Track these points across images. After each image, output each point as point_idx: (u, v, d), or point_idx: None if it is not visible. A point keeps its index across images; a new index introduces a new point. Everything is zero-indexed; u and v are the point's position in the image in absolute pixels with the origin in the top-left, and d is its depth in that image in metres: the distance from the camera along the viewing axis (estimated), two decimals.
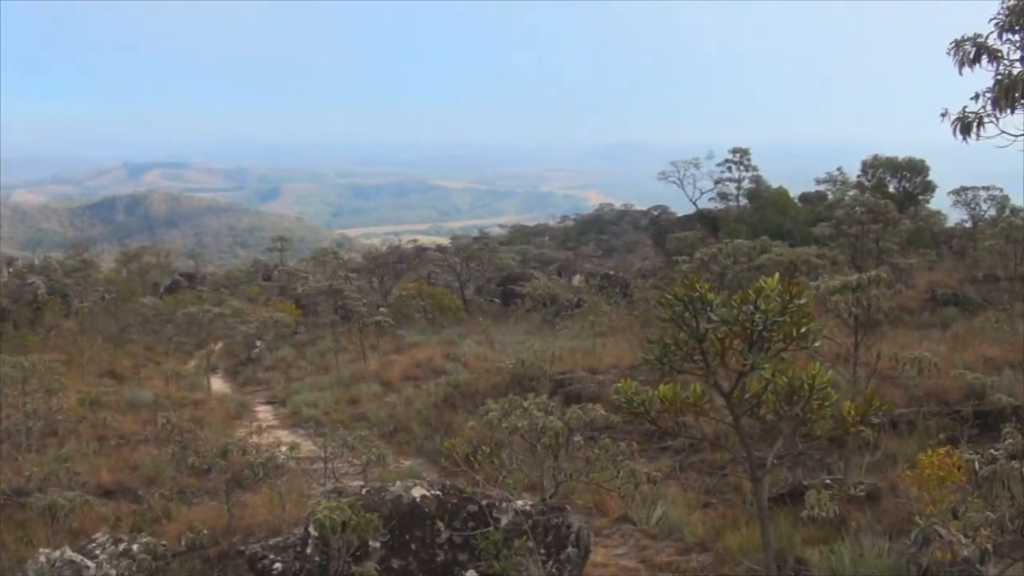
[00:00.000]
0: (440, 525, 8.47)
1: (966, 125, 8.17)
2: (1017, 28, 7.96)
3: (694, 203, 53.92)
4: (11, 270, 40.97)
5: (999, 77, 7.88)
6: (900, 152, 46.50)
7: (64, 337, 29.95)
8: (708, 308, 6.44)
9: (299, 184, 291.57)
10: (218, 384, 25.05)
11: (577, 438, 10.22)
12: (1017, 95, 7.76)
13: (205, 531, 10.27)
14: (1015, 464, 7.17)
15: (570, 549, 8.81)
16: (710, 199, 53.14)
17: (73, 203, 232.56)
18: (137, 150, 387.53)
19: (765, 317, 6.34)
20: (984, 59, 8.13)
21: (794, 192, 50.26)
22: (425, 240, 61.29)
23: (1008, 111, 7.87)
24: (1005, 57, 8.05)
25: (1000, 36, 8.02)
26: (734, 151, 51.17)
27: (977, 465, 7.49)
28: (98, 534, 9.95)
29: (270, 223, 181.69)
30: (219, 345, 29.50)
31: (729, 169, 51.45)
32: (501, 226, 69.67)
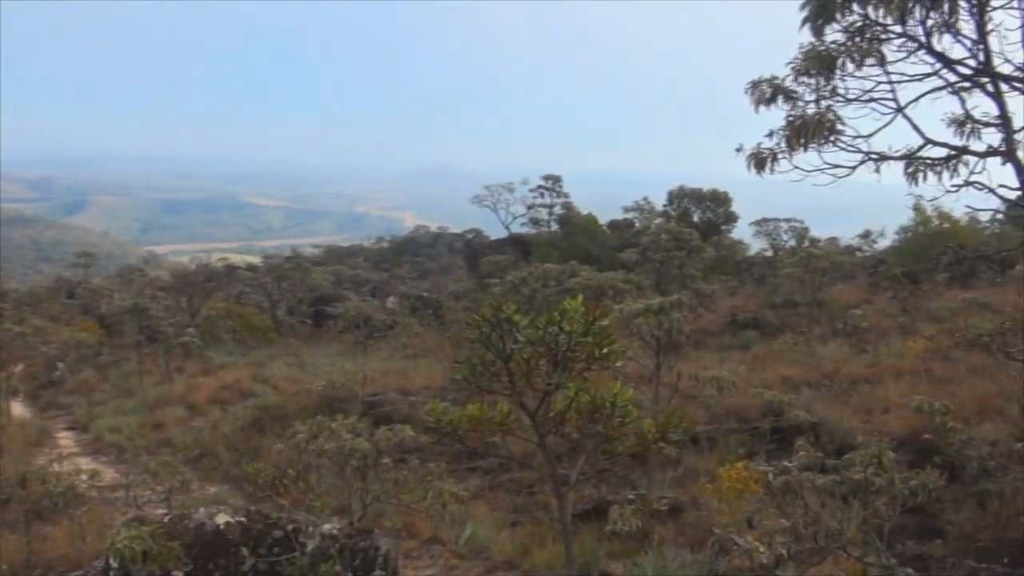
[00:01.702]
0: (245, 552, 8.46)
1: (760, 161, 8.88)
2: (812, 72, 8.70)
3: (507, 227, 54.84)
4: None
5: (791, 118, 8.60)
6: (706, 184, 48.83)
7: None
8: (515, 329, 6.73)
9: (107, 197, 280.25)
10: (17, 408, 23.97)
11: (386, 460, 10.38)
12: (808, 135, 8.49)
13: (3, 566, 9.97)
14: (807, 475, 7.77)
15: (378, 572, 8.93)
16: (522, 224, 54.23)
17: None
18: None
19: (569, 338, 6.68)
20: (780, 99, 8.85)
21: (602, 219, 51.79)
22: (236, 259, 60.01)
23: (801, 149, 8.59)
24: (801, 98, 8.79)
25: (796, 79, 8.76)
26: (546, 177, 52.30)
27: (771, 476, 8.06)
28: None
29: (75, 237, 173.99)
30: (19, 367, 28.24)
31: (541, 195, 52.60)
32: (315, 246, 69.07)
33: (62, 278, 55.93)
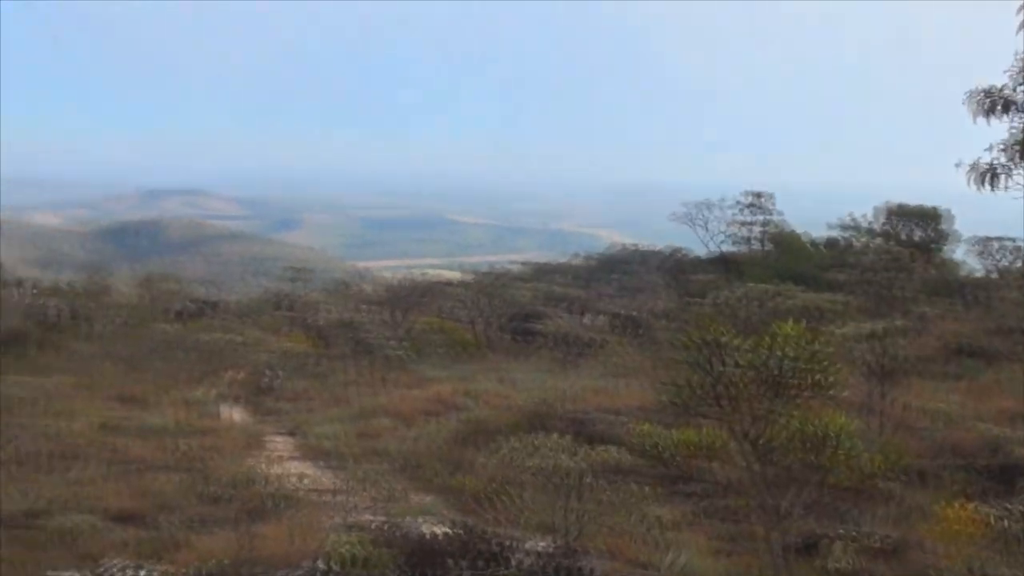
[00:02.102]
0: (456, 563, 8.39)
1: (982, 176, 8.14)
2: None
3: (710, 245, 53.83)
4: (35, 291, 41.15)
5: (1013, 129, 7.85)
6: (909, 198, 46.55)
7: (80, 360, 29.93)
8: (727, 352, 6.37)
9: (317, 215, 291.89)
10: (234, 413, 24.97)
11: (593, 479, 10.13)
12: None
13: (219, 561, 10.22)
14: None
15: None
16: (721, 242, 53.23)
17: (89, 226, 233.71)
18: (155, 175, 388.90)
19: (786, 363, 6.26)
20: (999, 110, 8.09)
21: (805, 235, 50.24)
22: (441, 274, 61.01)
23: None
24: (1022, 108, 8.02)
25: (1015, 88, 7.99)
26: (750, 194, 51.08)
27: (996, 520, 7.37)
28: (112, 560, 9.92)
29: (287, 253, 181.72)
30: (235, 374, 29.47)
31: (745, 211, 51.38)
32: (516, 262, 69.47)
33: (275, 291, 58.28)
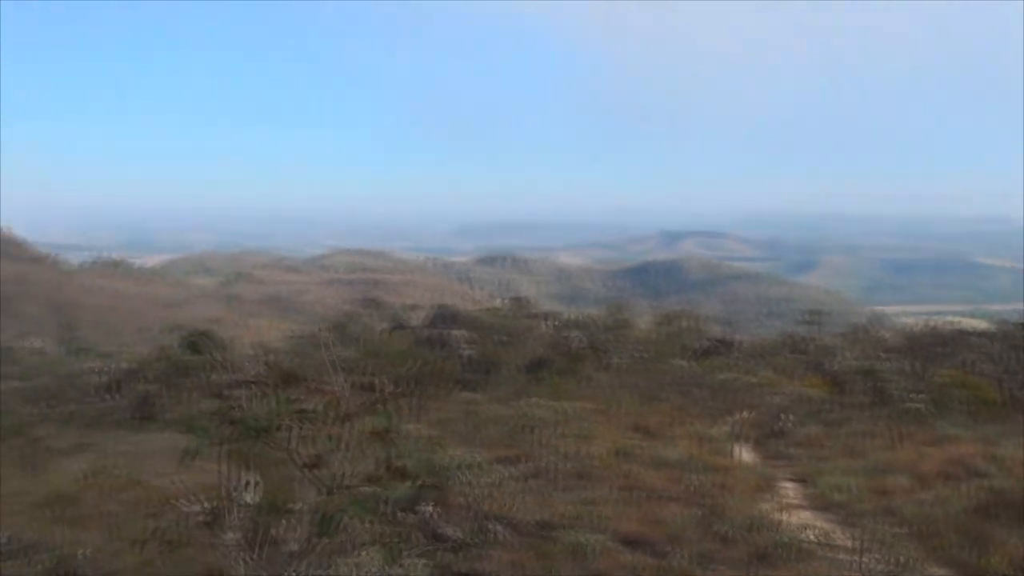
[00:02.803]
0: None
1: None
2: None
3: None
4: (558, 323, 44.33)
5: None
6: None
7: (598, 388, 31.56)
8: None
9: (834, 257, 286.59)
10: (744, 453, 24.92)
11: None
12: None
13: None
14: None
15: None
16: None
17: (611, 266, 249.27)
18: (674, 219, 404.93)
19: None
20: None
21: None
22: (965, 322, 56.96)
23: None
24: None
25: None
26: None
27: None
28: None
29: (802, 295, 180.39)
30: (747, 414, 29.44)
31: None
32: None
33: (790, 333, 57.73)
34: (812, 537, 13.00)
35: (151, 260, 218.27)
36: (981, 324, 59.01)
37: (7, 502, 15.03)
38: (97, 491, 15.58)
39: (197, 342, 35.75)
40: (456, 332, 38.07)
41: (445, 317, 44.93)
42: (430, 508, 13.42)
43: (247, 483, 7.94)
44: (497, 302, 66.68)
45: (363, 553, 7.67)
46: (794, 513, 16.10)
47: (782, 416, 27.94)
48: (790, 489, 20.61)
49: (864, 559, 12.41)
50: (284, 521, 6.80)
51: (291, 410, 6.16)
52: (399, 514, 11.96)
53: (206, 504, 9.03)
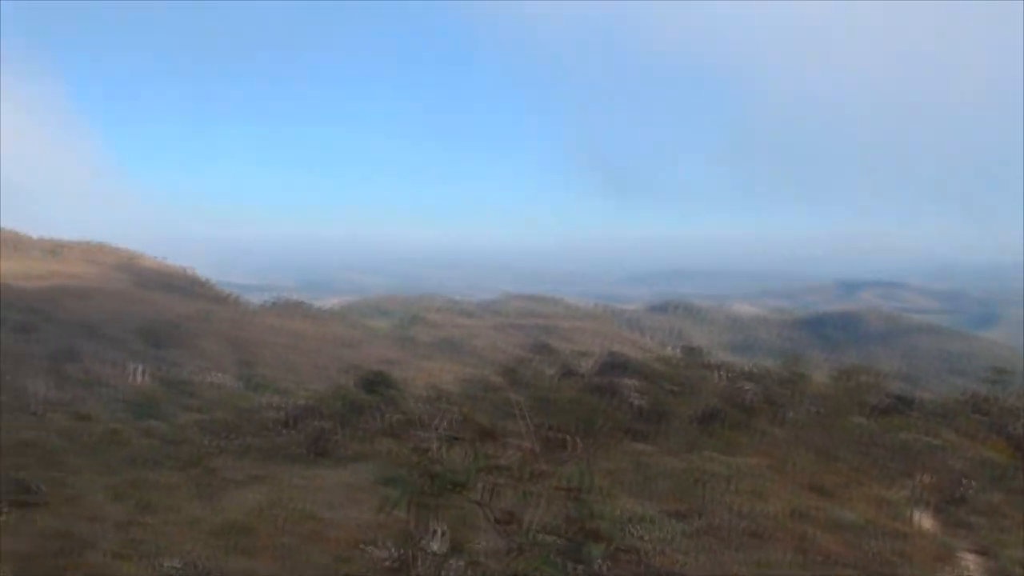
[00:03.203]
0: None
1: None
2: None
3: None
4: (731, 374, 43.73)
5: None
6: None
7: (772, 444, 30.95)
8: None
9: (1018, 310, 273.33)
10: (923, 519, 24.13)
11: None
12: None
13: None
14: None
15: None
16: None
17: (785, 316, 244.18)
18: (851, 268, 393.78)
19: None
20: None
21: None
22: None
23: None
24: None
25: None
26: None
27: None
28: None
29: (984, 350, 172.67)
30: (927, 478, 28.47)
31: None
32: None
33: (972, 392, 55.34)
34: None
35: (329, 302, 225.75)
36: None
37: (183, 530, 15.92)
38: (272, 523, 16.24)
39: (373, 381, 37.06)
40: (626, 380, 38.20)
41: (615, 364, 44.97)
42: (599, 561, 13.59)
43: (434, 532, 8.31)
44: (668, 350, 66.41)
45: None
46: None
47: (963, 481, 26.92)
48: (971, 561, 19.86)
49: None
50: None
51: (489, 465, 6.49)
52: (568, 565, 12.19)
53: (394, 551, 9.48)
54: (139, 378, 63.42)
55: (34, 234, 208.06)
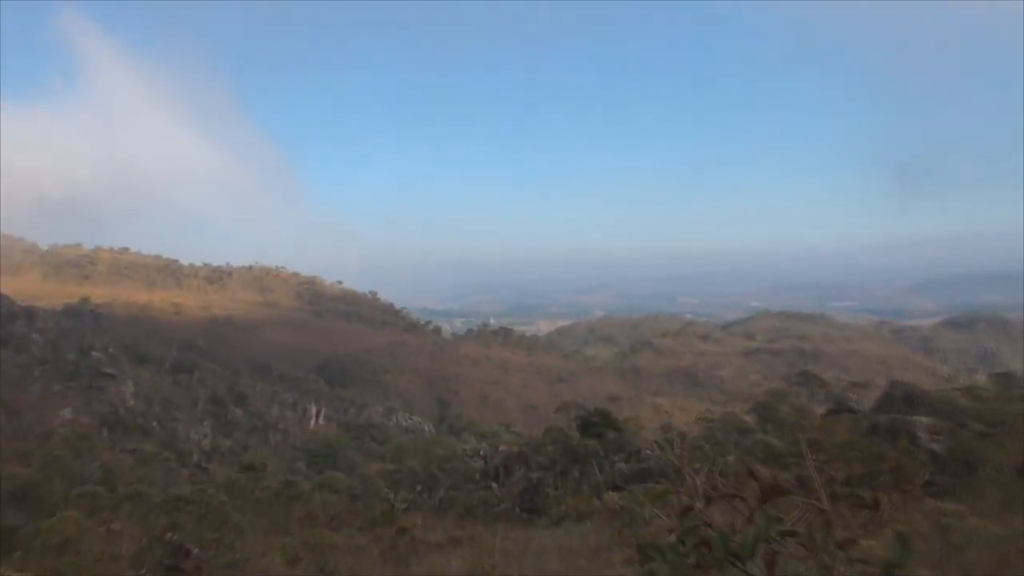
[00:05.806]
0: None
1: None
2: None
3: None
4: None
5: None
6: None
7: None
8: None
9: None
10: None
11: None
12: None
13: None
14: None
15: None
16: None
17: None
18: None
19: None
20: None
21: None
22: None
23: None
24: None
25: None
26: None
27: None
28: None
29: None
30: None
31: None
32: None
33: None
34: None
35: (540, 326, 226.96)
36: None
37: None
38: None
39: (593, 422, 36.22)
40: (918, 418, 36.09)
41: (902, 398, 42.69)
42: None
43: None
44: (975, 378, 63.11)
45: None
46: None
47: None
48: None
49: None
50: None
51: (777, 531, 5.69)
52: None
53: None
54: (317, 421, 64.88)
55: (195, 261, 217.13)
